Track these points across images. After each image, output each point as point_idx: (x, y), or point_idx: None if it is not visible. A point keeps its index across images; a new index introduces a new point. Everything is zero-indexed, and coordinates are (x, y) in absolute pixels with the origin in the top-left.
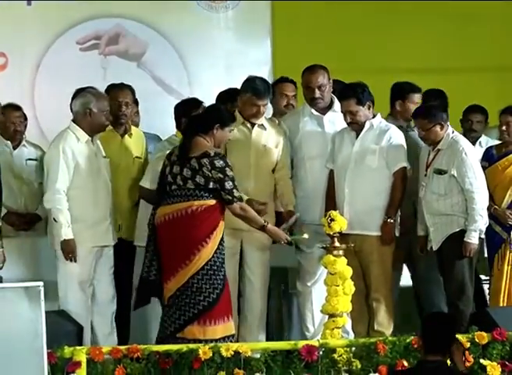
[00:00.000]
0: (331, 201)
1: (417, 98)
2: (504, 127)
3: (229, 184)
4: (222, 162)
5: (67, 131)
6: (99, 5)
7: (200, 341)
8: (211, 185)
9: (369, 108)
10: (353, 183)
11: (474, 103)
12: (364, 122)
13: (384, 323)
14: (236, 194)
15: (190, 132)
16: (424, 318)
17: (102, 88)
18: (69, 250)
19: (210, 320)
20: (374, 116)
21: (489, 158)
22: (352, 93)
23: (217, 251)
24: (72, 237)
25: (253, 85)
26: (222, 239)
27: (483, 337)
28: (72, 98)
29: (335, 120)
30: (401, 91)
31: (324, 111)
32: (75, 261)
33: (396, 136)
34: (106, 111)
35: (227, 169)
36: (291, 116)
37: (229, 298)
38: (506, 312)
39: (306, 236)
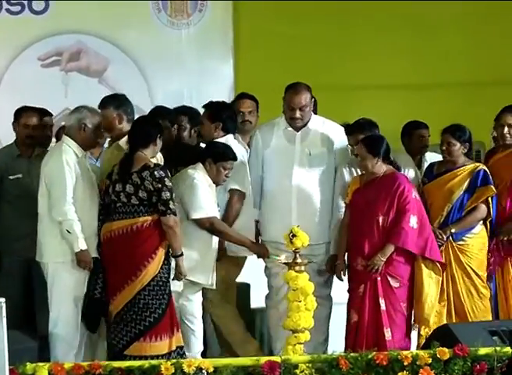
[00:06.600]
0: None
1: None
2: (444, 147)
3: (165, 195)
4: (161, 172)
5: (63, 145)
6: (60, 22)
7: (146, 358)
8: (153, 199)
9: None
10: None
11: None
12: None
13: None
14: (171, 206)
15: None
16: None
17: (63, 105)
18: (86, 260)
19: (156, 336)
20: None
21: (429, 175)
22: None
23: (163, 267)
24: (86, 247)
25: None
26: (167, 253)
27: (444, 352)
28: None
29: (307, 137)
30: None
31: (299, 127)
32: (89, 270)
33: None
34: (99, 127)
35: (166, 179)
36: (267, 127)
37: (173, 312)
38: (467, 328)
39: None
